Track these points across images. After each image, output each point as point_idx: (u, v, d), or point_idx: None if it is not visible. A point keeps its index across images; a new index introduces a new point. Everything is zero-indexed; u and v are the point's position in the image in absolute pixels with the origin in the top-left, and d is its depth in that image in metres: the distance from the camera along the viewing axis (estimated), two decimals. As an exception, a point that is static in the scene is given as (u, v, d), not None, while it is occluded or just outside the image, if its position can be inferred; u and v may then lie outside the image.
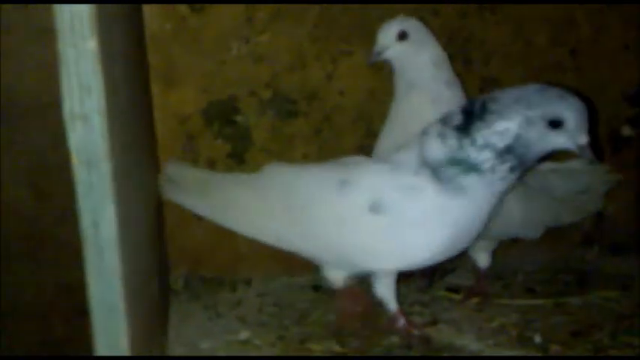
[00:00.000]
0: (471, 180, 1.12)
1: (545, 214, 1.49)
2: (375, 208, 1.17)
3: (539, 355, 1.23)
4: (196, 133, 1.64)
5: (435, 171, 1.14)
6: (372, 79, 1.67)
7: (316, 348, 1.31)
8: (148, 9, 1.56)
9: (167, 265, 1.66)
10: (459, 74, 1.67)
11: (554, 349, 1.27)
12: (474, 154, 1.11)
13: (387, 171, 1.19)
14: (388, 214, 1.16)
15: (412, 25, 1.50)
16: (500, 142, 1.10)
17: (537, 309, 1.44)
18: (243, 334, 1.39)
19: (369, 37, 1.60)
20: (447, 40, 1.65)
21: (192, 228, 1.68)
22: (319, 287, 1.62)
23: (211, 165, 1.66)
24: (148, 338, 1.05)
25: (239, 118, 1.65)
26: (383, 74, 1.63)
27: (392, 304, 1.31)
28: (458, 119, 1.14)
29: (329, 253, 1.26)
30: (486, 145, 1.10)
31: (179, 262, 1.69)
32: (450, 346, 1.29)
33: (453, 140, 1.13)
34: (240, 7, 1.60)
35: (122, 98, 0.98)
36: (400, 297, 1.52)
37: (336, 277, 1.34)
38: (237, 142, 1.66)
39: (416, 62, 1.48)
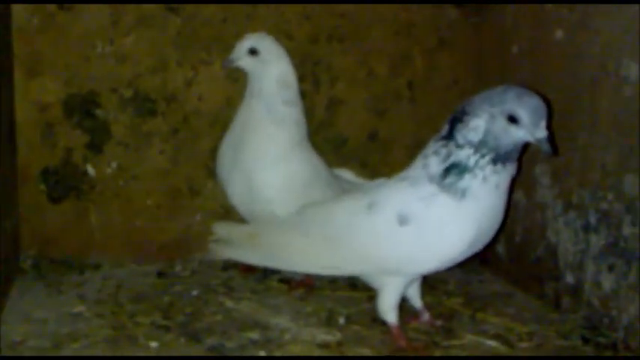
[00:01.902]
0: (467, 181, 1.27)
1: None
2: (403, 220, 1.30)
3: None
4: (55, 123, 1.74)
5: (440, 183, 1.29)
6: (229, 88, 1.84)
7: (143, 320, 1.42)
8: (17, 5, 1.66)
9: (17, 246, 1.73)
10: (308, 93, 1.89)
11: (353, 327, 1.45)
12: (459, 154, 1.27)
13: (405, 187, 1.33)
14: (413, 224, 1.29)
15: (264, 44, 1.68)
16: (475, 137, 1.26)
17: (353, 300, 1.62)
18: (78, 308, 1.49)
19: (227, 49, 1.79)
20: (299, 62, 1.84)
21: (46, 213, 1.77)
22: (163, 274, 1.75)
23: (68, 153, 1.76)
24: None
25: (99, 112, 1.77)
26: (239, 84, 1.80)
27: (391, 317, 1.39)
28: (445, 130, 1.31)
29: (375, 267, 1.38)
30: (465, 142, 1.27)
31: (31, 243, 1.76)
32: (257, 321, 1.45)
33: (443, 150, 1.29)
34: (107, 9, 1.73)
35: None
36: (238, 286, 1.69)
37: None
38: (95, 134, 1.77)
39: (261, 76, 1.66)
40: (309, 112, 1.88)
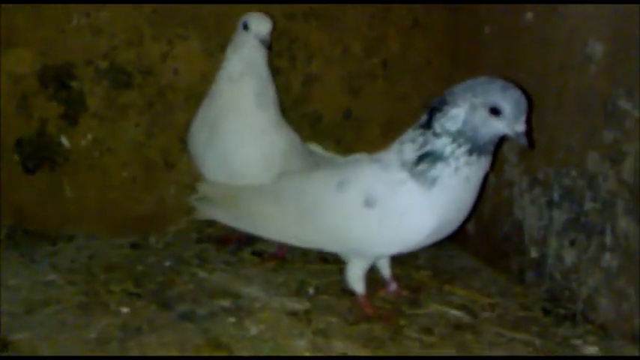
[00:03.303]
0: (439, 170, 1.27)
1: None
2: (368, 202, 1.31)
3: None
4: (30, 94, 1.74)
5: (411, 170, 1.29)
6: (204, 63, 1.85)
7: (115, 288, 1.45)
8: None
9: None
10: (285, 69, 1.91)
11: (322, 297, 1.49)
12: (436, 143, 1.27)
13: (376, 169, 1.34)
14: (378, 207, 1.30)
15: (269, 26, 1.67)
16: (453, 126, 1.25)
17: (323, 272, 1.66)
18: (51, 277, 1.50)
19: (204, 26, 1.81)
20: (276, 38, 1.86)
21: (23, 185, 1.78)
22: (137, 245, 1.77)
23: (43, 124, 1.77)
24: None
25: (74, 84, 1.78)
26: (214, 59, 1.81)
27: (358, 287, 1.43)
28: (423, 119, 1.31)
29: (340, 246, 1.41)
30: (443, 131, 1.26)
31: (6, 214, 1.77)
32: (229, 290, 1.48)
33: (420, 138, 1.29)
34: (84, -18, 1.73)
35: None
36: (211, 258, 1.72)
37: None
38: (71, 106, 1.78)
39: (260, 59, 1.67)
40: (285, 89, 1.91)
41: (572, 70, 1.52)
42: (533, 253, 1.63)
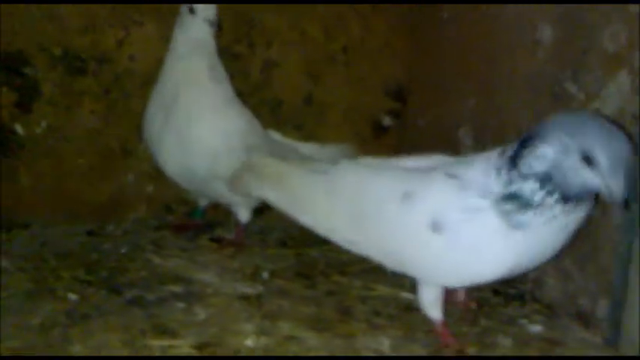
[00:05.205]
0: (529, 217, 1.08)
1: None
2: (437, 226, 1.13)
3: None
4: (-18, 81, 1.72)
5: (496, 202, 1.10)
6: (161, 49, 1.82)
7: (65, 275, 1.44)
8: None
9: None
10: (243, 55, 1.91)
11: (276, 281, 1.49)
12: (523, 186, 1.07)
13: (452, 187, 1.14)
14: (447, 234, 1.12)
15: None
16: (539, 167, 1.06)
17: (281, 257, 1.66)
18: (2, 264, 1.49)
19: (160, 10, 1.79)
20: (233, 24, 1.85)
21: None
22: (93, 233, 1.76)
23: (-4, 111, 1.75)
24: None
25: (28, 70, 1.76)
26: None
27: (433, 313, 1.25)
28: (512, 149, 1.12)
29: (393, 263, 1.25)
30: (529, 173, 1.07)
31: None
32: (181, 276, 1.48)
33: (505, 173, 1.10)
34: (36, -34, 1.71)
35: None
36: (168, 244, 1.71)
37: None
38: (24, 93, 1.76)
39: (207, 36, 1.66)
40: (244, 74, 1.91)
41: (521, 53, 1.53)
42: (488, 236, 1.64)
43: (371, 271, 1.59)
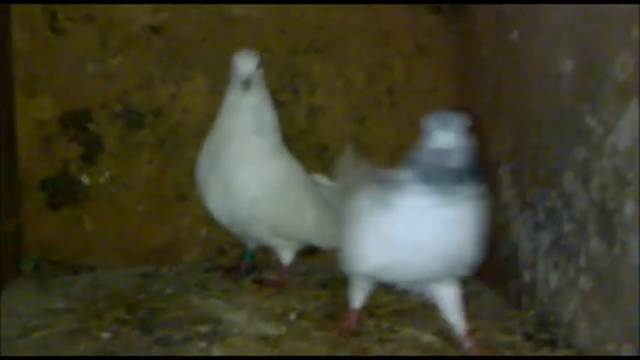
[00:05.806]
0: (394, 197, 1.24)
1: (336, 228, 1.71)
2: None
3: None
4: (53, 137, 1.92)
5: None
6: (210, 101, 1.95)
7: (107, 315, 1.54)
8: (15, 31, 1.86)
9: (19, 249, 1.91)
10: (288, 102, 1.99)
11: (302, 323, 1.52)
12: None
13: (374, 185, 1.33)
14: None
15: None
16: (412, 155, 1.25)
17: (315, 298, 1.69)
18: (58, 305, 1.62)
19: (208, 66, 1.92)
20: (278, 74, 1.94)
21: (45, 219, 1.94)
22: (148, 275, 1.88)
23: (65, 164, 1.93)
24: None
25: (92, 126, 1.93)
26: (219, 98, 1.91)
27: (353, 301, 1.47)
28: None
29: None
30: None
31: (32, 249, 1.94)
32: (212, 316, 1.54)
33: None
34: (96, 32, 1.90)
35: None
36: (213, 285, 1.79)
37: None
38: (89, 147, 1.94)
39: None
40: (289, 121, 1.98)
41: (545, 89, 1.48)
42: (526, 277, 1.59)
43: (402, 312, 1.58)
